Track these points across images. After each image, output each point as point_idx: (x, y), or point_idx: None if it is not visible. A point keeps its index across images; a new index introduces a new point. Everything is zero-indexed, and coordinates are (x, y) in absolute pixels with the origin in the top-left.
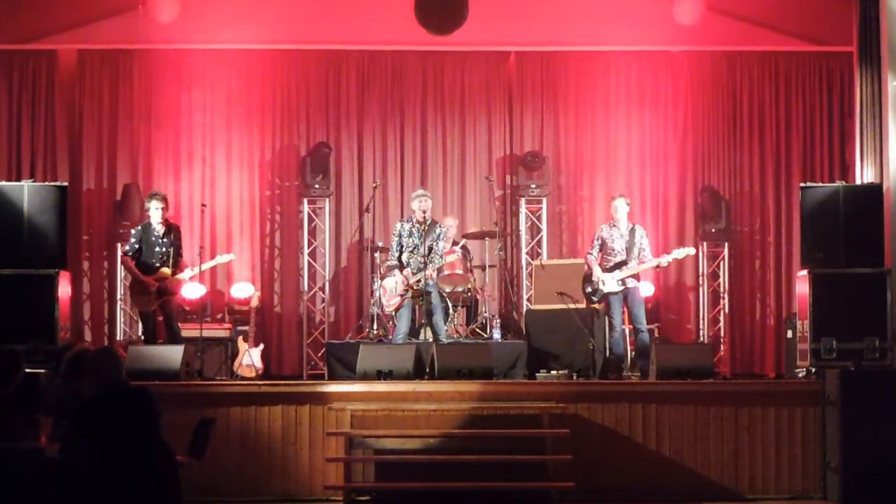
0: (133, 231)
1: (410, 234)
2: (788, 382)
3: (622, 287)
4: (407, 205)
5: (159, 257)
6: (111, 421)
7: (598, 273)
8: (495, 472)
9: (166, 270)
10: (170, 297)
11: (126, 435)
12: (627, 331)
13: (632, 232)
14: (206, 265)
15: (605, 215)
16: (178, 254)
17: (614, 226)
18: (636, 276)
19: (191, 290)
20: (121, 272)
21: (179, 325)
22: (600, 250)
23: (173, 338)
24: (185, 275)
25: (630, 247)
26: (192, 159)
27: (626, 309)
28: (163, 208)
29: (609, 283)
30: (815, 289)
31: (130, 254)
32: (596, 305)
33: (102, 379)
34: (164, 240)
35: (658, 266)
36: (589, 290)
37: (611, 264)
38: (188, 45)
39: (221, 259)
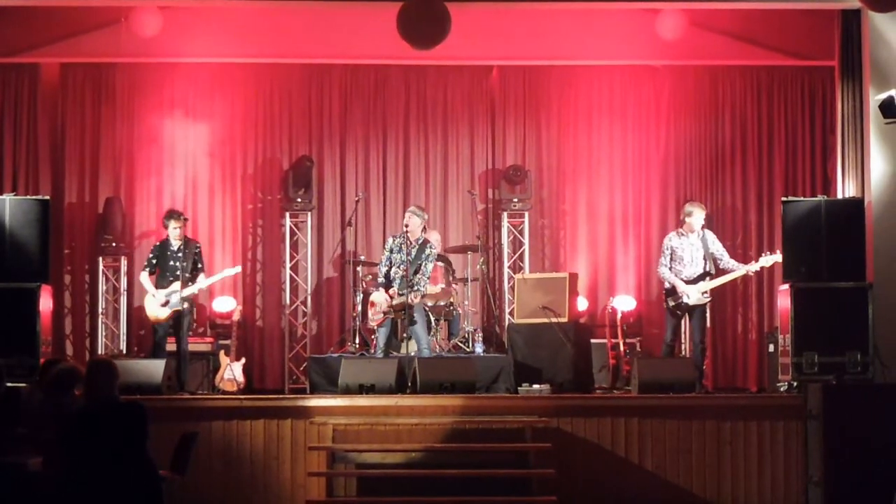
0: (153, 247)
1: (400, 250)
2: (770, 396)
3: (708, 298)
4: (389, 219)
5: (175, 272)
6: (98, 435)
7: (682, 286)
8: (478, 487)
9: (176, 286)
10: (180, 313)
11: (112, 450)
12: (622, 347)
13: (703, 240)
14: (213, 279)
15: (587, 229)
16: (195, 269)
17: (684, 234)
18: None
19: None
20: (102, 286)
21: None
22: (671, 260)
23: (180, 353)
24: (189, 290)
25: (706, 255)
26: (174, 173)
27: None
28: (181, 227)
29: (693, 294)
30: (797, 303)
31: (148, 270)
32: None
33: (95, 392)
34: (180, 255)
35: (747, 274)
36: (672, 304)
37: (682, 275)
38: (171, 59)
39: (228, 272)
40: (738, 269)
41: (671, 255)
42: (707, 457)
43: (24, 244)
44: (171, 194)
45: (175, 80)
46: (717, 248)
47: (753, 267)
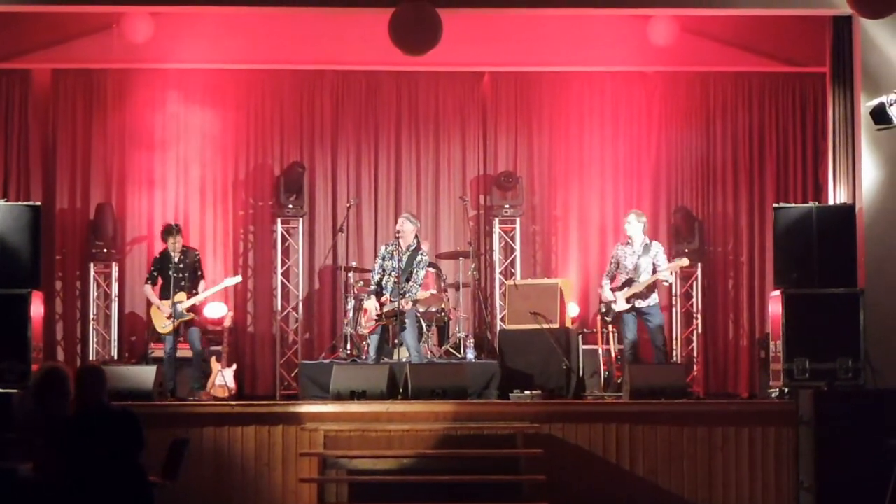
0: (154, 259)
1: (392, 257)
2: (762, 402)
3: (630, 305)
4: (381, 225)
5: (177, 283)
6: (88, 441)
7: (605, 293)
8: (469, 493)
9: (181, 296)
10: (186, 322)
11: (102, 456)
12: (614, 353)
13: (646, 248)
14: (214, 289)
15: (578, 235)
16: (195, 276)
17: (628, 243)
18: (642, 295)
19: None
20: (94, 292)
21: (152, 345)
22: (616, 269)
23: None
24: (192, 301)
25: (642, 264)
26: (165, 179)
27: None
28: (179, 240)
29: (620, 301)
30: (788, 309)
31: (151, 282)
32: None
33: (84, 398)
34: (181, 265)
35: (665, 282)
36: (603, 310)
37: (620, 283)
38: (162, 65)
39: (228, 282)
40: (651, 277)
41: (616, 263)
42: (698, 463)
43: (15, 250)
44: (163, 200)
45: (166, 86)
46: (659, 259)
47: (664, 274)
